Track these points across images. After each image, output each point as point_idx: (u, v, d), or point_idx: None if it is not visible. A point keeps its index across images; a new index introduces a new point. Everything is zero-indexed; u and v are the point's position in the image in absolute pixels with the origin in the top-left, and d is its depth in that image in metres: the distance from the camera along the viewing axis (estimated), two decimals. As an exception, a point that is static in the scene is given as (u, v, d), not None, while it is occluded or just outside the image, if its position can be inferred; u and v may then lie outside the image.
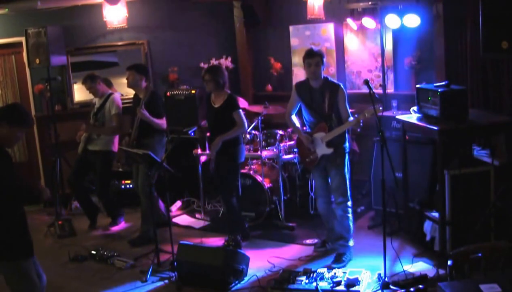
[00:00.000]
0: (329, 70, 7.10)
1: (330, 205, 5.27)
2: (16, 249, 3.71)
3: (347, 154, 5.13)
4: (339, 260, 5.10)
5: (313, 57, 5.00)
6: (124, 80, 6.10)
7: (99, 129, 6.36)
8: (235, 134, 5.59)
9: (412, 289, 4.37)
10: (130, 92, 6.68)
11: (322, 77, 5.08)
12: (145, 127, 5.88)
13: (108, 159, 6.45)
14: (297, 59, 7.56)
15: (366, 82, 4.73)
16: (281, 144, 6.24)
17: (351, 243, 5.21)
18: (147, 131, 5.90)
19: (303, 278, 4.66)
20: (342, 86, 5.08)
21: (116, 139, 6.50)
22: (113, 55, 8.06)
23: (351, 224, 5.20)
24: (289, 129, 6.40)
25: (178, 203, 7.14)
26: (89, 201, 6.70)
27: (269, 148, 6.39)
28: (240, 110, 5.60)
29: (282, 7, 7.62)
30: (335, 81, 5.22)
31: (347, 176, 5.13)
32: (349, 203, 5.16)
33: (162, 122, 6.00)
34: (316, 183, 5.37)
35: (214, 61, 7.67)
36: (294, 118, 5.30)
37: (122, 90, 7.48)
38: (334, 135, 5.00)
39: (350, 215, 5.19)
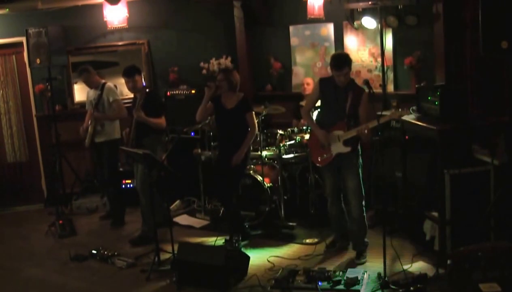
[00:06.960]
0: (329, 70, 7.07)
1: (341, 204, 5.31)
2: None
3: (360, 155, 5.15)
4: (361, 256, 5.20)
5: (341, 69, 4.94)
6: (123, 80, 6.09)
7: (106, 115, 6.39)
8: (252, 138, 5.64)
9: (412, 289, 4.37)
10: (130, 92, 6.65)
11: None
12: (142, 127, 5.88)
13: (115, 146, 6.46)
14: (297, 59, 7.56)
15: (366, 82, 4.75)
16: (281, 144, 6.25)
17: (367, 239, 5.30)
18: (144, 131, 5.89)
19: (303, 277, 4.66)
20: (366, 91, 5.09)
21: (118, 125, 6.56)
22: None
23: (366, 222, 5.28)
24: (291, 128, 6.42)
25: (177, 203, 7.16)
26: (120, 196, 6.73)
27: (269, 147, 6.39)
28: (253, 112, 5.64)
29: (282, 7, 7.61)
30: (359, 85, 5.20)
31: (361, 176, 5.16)
32: (364, 202, 5.21)
33: (160, 121, 5.97)
34: (327, 182, 5.34)
35: (214, 61, 7.68)
36: (311, 114, 5.31)
37: (123, 90, 7.48)
38: (353, 134, 4.99)
39: (365, 214, 5.25)
